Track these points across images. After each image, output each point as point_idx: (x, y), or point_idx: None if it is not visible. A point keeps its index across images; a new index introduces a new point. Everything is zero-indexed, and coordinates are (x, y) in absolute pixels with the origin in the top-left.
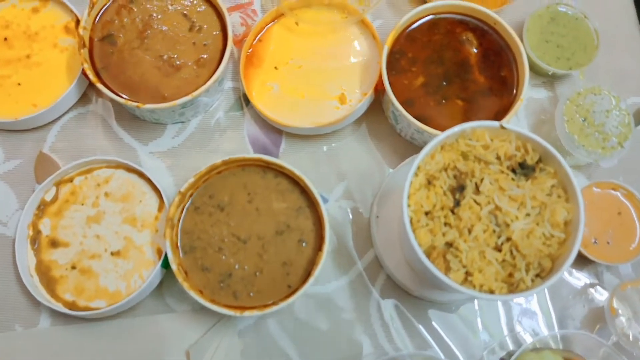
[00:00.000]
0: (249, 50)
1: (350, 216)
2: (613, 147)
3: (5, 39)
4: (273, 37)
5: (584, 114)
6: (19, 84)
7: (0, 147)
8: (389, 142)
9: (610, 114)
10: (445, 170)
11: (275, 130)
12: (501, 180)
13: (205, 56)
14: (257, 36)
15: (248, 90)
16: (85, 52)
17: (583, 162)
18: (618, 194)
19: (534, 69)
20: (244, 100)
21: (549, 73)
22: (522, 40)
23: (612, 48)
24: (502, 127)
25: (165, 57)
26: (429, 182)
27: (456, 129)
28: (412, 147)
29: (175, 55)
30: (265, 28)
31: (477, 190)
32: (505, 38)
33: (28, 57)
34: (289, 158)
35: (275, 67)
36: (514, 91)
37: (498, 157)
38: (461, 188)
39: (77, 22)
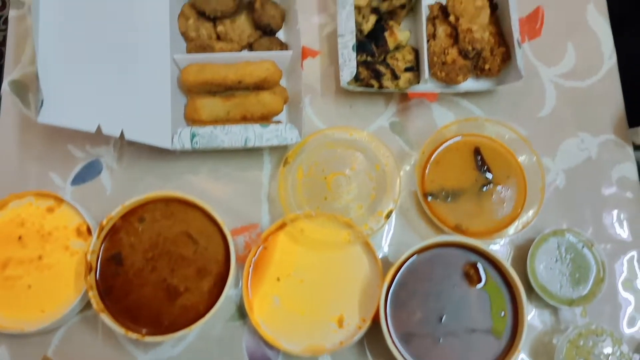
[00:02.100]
0: (254, 259)
1: None
2: None
3: (20, 237)
4: (278, 245)
5: (584, 355)
6: (29, 286)
7: (7, 351)
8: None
9: (610, 357)
10: None
11: None
12: None
13: (207, 282)
14: (262, 244)
15: (248, 304)
16: (91, 277)
17: None
18: None
19: (536, 294)
20: (245, 310)
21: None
22: (526, 265)
23: (615, 278)
24: None
25: (169, 281)
26: None
27: None
28: None
29: (179, 280)
30: (271, 237)
31: None
32: (508, 280)
33: (40, 259)
34: None
35: (278, 279)
36: (513, 336)
37: None
38: None
39: (88, 228)
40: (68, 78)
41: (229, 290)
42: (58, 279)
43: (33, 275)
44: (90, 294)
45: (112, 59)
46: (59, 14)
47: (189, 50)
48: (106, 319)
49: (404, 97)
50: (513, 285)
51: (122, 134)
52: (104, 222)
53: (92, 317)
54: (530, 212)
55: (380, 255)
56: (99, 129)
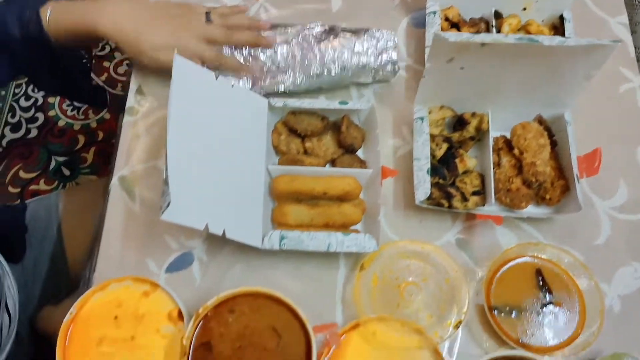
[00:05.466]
0: (327, 358)
1: None
2: None
3: (116, 317)
4: (350, 345)
5: None
6: None
7: None
8: None
9: None
10: None
11: None
12: None
13: None
14: (335, 344)
15: None
16: None
17: None
18: None
19: None
20: None
21: None
22: None
23: None
24: None
25: None
26: None
27: None
28: None
29: None
30: (344, 335)
31: None
32: None
33: (132, 339)
34: None
35: None
36: None
37: None
38: None
39: (179, 314)
40: (185, 183)
41: None
42: None
43: (124, 355)
44: None
45: (218, 166)
46: (181, 126)
47: (280, 162)
48: None
49: (469, 217)
50: None
51: (223, 233)
52: (200, 310)
53: None
54: (589, 334)
55: None
56: (206, 227)
